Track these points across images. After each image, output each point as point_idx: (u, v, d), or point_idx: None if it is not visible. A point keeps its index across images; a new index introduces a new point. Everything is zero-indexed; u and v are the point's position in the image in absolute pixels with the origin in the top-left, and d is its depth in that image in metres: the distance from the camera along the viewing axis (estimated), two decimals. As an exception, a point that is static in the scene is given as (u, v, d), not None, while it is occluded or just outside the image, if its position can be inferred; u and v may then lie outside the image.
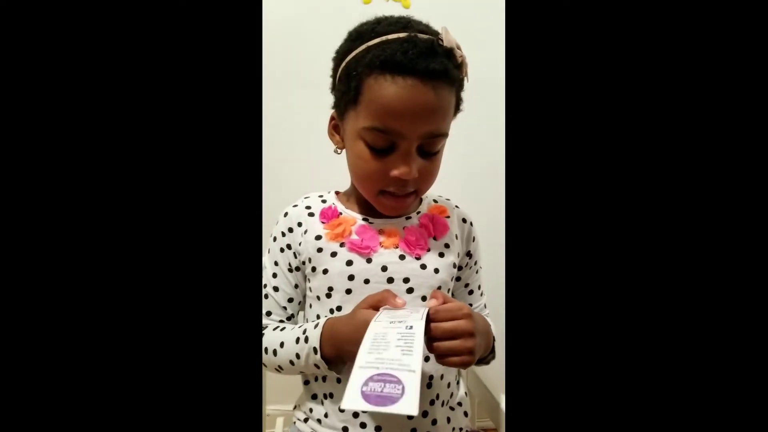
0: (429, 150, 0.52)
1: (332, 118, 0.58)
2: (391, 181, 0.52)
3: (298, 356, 0.52)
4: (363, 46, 0.49)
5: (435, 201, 0.65)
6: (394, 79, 0.47)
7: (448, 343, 0.44)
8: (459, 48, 0.51)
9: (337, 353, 0.49)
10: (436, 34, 0.50)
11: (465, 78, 0.53)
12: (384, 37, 0.48)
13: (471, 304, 0.64)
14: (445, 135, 0.52)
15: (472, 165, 1.13)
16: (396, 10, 1.05)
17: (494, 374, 0.71)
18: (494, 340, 0.59)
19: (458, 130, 1.06)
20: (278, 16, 1.04)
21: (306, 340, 0.51)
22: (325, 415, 0.55)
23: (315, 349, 0.50)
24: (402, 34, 0.48)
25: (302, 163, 1.08)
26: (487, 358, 0.59)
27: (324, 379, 0.55)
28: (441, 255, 0.58)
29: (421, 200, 0.64)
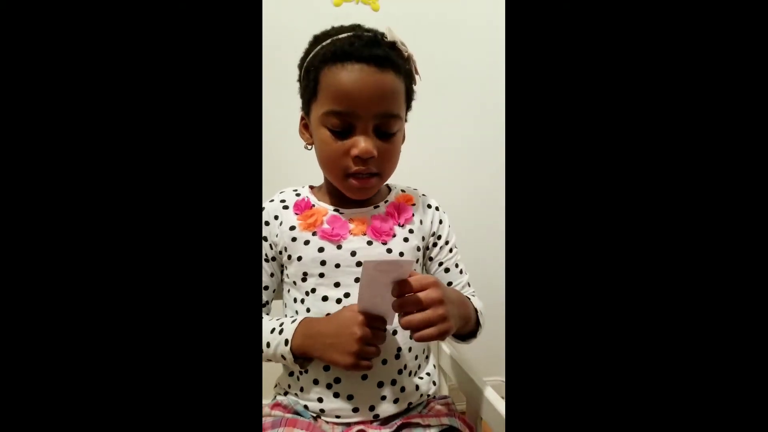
0: (386, 130, 0.57)
1: (302, 118, 0.64)
2: (352, 161, 0.57)
3: (268, 345, 0.57)
4: (318, 47, 0.57)
5: (403, 191, 0.71)
6: (344, 65, 0.54)
7: (421, 314, 0.47)
8: (404, 44, 0.58)
9: (306, 348, 0.55)
10: (381, 33, 0.58)
11: (415, 72, 0.61)
12: (335, 37, 0.56)
13: (450, 282, 0.68)
14: (397, 116, 0.58)
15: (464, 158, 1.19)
16: (365, 12, 1.10)
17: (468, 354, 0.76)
18: (477, 312, 0.64)
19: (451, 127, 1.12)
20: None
21: (281, 332, 0.57)
22: (301, 389, 0.60)
23: (286, 341, 0.55)
24: (349, 33, 0.56)
25: (280, 159, 1.12)
26: (475, 332, 0.64)
27: None
28: (405, 240, 0.63)
29: (390, 190, 0.70)
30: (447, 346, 0.79)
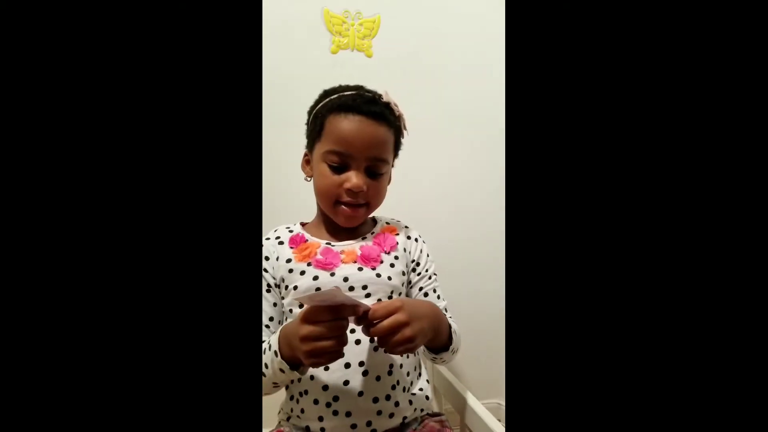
0: (375, 171, 0.69)
1: (305, 155, 0.75)
2: (344, 193, 0.67)
3: (266, 366, 0.59)
4: (326, 99, 0.70)
5: (387, 223, 0.80)
6: (346, 116, 0.66)
7: (390, 338, 0.52)
8: (396, 105, 0.71)
9: (289, 353, 0.55)
10: (379, 95, 0.71)
11: (403, 128, 0.73)
12: (341, 93, 0.69)
13: None
14: (385, 160, 0.70)
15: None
16: (360, 57, 1.19)
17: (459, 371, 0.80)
18: (451, 329, 0.67)
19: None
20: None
21: (269, 347, 0.59)
22: (302, 411, 0.64)
23: (276, 353, 0.57)
24: (353, 92, 0.69)
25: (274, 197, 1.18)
26: (447, 347, 0.67)
27: (299, 379, 0.64)
28: (392, 265, 0.70)
29: (375, 223, 0.79)
30: (443, 368, 0.83)
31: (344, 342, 0.52)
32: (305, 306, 0.54)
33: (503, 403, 1.19)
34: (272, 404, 0.70)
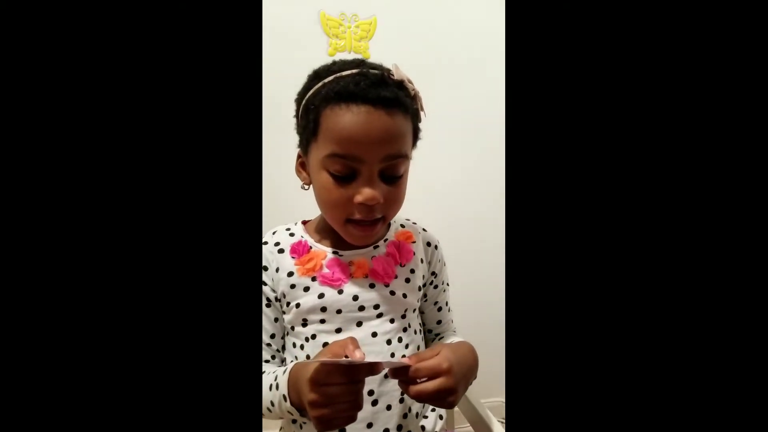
0: (392, 174, 0.54)
1: (299, 156, 0.61)
2: (356, 209, 0.53)
3: (272, 404, 0.54)
4: (319, 83, 0.53)
5: (402, 226, 0.68)
6: (348, 107, 0.50)
7: (430, 401, 0.48)
8: (410, 82, 0.55)
9: (301, 401, 0.48)
10: (387, 70, 0.54)
11: (420, 110, 0.57)
12: (338, 74, 0.52)
13: (440, 320, 0.71)
14: (404, 156, 0.54)
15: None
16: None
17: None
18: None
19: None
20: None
21: (277, 387, 0.53)
22: None
23: (285, 397, 0.51)
24: (354, 70, 0.52)
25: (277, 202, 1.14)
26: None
27: None
28: (407, 281, 0.63)
29: (389, 225, 0.67)
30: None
31: (359, 407, 0.45)
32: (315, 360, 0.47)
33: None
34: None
